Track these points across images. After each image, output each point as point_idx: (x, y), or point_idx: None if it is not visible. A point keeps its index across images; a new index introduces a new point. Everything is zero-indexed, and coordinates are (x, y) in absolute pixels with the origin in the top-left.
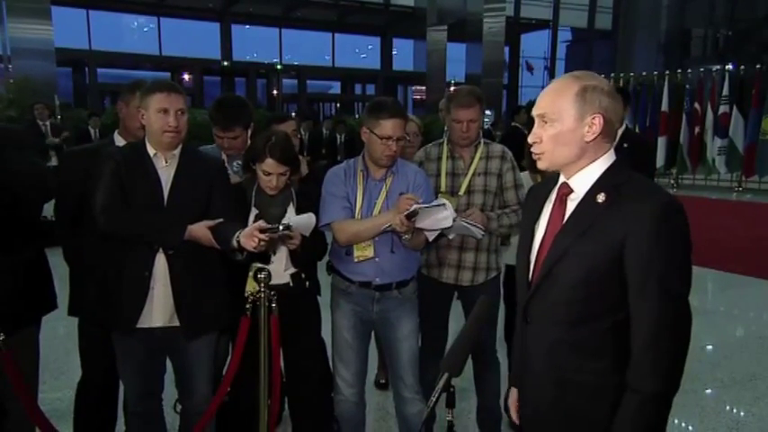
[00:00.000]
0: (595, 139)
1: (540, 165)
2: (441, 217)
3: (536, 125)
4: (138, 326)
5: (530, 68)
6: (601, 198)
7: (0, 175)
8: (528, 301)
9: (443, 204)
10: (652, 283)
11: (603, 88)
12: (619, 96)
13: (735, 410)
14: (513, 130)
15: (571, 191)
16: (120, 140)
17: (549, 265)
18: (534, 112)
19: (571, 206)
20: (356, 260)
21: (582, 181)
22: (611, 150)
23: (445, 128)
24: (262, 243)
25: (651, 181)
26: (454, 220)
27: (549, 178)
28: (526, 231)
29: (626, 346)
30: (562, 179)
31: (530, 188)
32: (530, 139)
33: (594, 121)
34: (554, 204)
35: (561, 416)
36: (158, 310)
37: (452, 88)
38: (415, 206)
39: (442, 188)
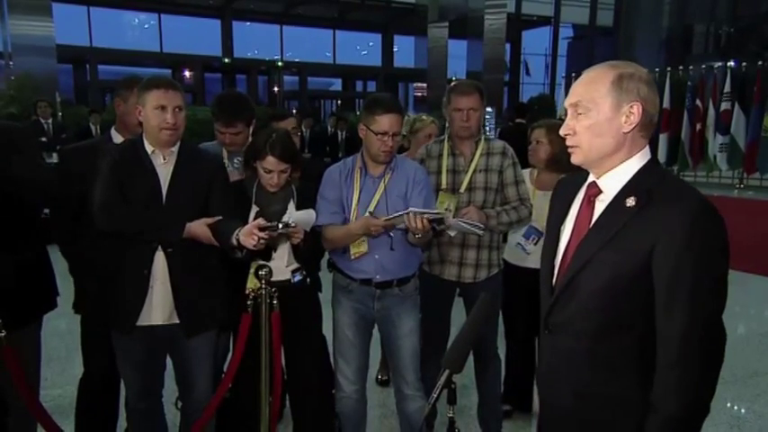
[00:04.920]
0: (633, 129)
1: (575, 159)
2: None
3: (569, 116)
4: (138, 324)
5: (527, 70)
6: (630, 202)
7: (4, 182)
8: (549, 310)
9: (445, 213)
10: (681, 295)
11: (642, 76)
12: (656, 87)
13: (736, 407)
14: (517, 126)
15: (600, 191)
16: (117, 137)
17: (573, 273)
18: (566, 102)
19: (599, 208)
20: (353, 257)
21: (612, 181)
22: (647, 148)
23: (446, 125)
24: (261, 241)
25: (685, 183)
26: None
27: (579, 174)
28: (552, 233)
29: (652, 363)
30: (591, 178)
31: (557, 183)
32: (562, 131)
33: (633, 109)
34: (581, 206)
35: (581, 428)
36: (158, 307)
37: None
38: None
39: (443, 185)
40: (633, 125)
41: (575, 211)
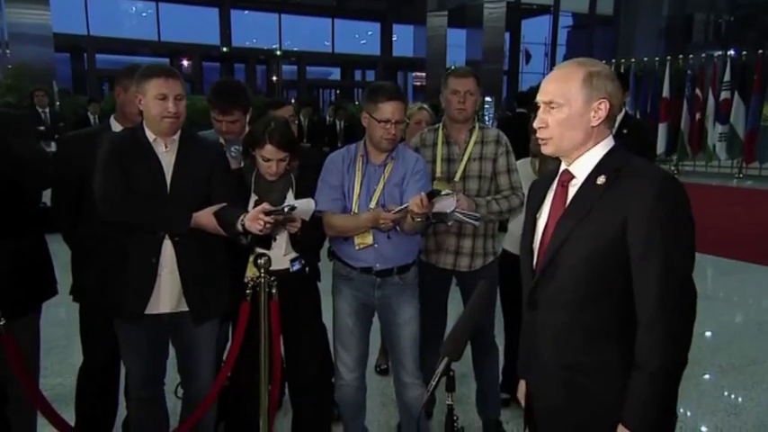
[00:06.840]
0: (600, 123)
1: (546, 150)
2: (447, 203)
3: (541, 110)
4: (146, 312)
5: (527, 58)
6: (601, 180)
7: (2, 163)
8: (534, 287)
9: (451, 193)
10: (654, 258)
11: (607, 73)
12: (619, 82)
13: (733, 395)
14: (518, 116)
15: (572, 177)
16: (116, 126)
17: (554, 250)
18: (540, 98)
19: (572, 191)
20: (357, 248)
21: (582, 166)
22: (611, 136)
23: (444, 117)
24: (267, 225)
25: (650, 162)
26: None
27: (551, 171)
28: (528, 220)
29: (630, 330)
30: (563, 167)
31: (532, 183)
32: (535, 124)
33: (601, 105)
34: (555, 191)
35: (572, 399)
36: (165, 296)
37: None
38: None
39: (438, 174)
40: (600, 120)
41: (550, 198)
